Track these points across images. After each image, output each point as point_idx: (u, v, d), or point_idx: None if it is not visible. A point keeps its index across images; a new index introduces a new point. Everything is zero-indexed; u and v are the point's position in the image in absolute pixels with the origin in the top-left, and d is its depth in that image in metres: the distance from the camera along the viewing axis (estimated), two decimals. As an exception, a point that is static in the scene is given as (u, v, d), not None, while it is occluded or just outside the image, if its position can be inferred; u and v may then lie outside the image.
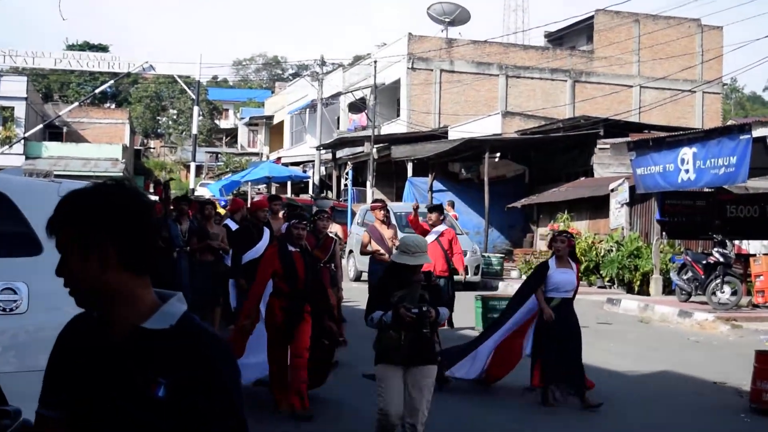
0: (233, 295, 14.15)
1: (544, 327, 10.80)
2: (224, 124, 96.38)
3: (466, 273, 16.21)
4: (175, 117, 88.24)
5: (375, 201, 18.18)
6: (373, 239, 15.33)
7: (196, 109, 55.36)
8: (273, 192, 49.06)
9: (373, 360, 7.70)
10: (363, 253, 15.84)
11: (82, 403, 2.45)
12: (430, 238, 14.69)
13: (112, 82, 67.00)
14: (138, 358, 2.39)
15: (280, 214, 15.84)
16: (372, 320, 7.60)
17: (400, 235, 15.60)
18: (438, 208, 15.78)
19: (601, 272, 25.38)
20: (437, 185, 36.48)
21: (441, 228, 15.16)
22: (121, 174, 54.60)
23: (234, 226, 14.95)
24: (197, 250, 14.54)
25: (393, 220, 17.51)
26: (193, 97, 55.44)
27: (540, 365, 10.85)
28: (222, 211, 19.69)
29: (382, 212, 15.65)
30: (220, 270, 14.54)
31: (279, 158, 58.40)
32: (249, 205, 15.72)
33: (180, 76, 56.56)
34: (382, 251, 15.09)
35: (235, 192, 49.01)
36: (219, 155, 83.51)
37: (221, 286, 14.45)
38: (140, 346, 2.41)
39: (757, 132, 18.73)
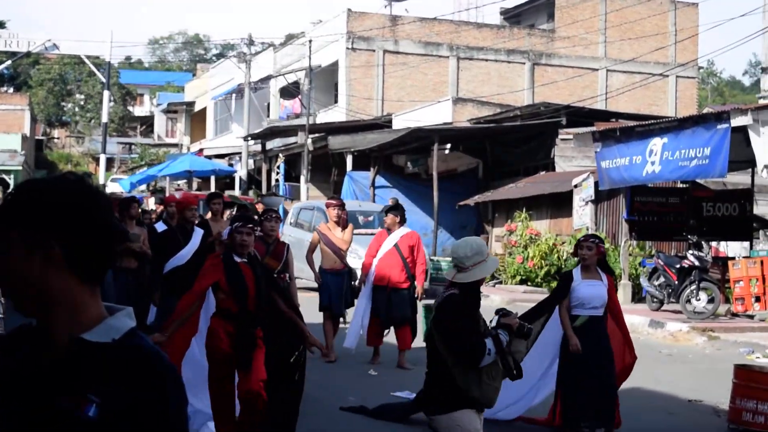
0: (151, 310, 13.84)
1: (568, 353, 10.13)
2: (139, 111, 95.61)
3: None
4: (82, 103, 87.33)
5: (331, 198, 17.85)
6: (323, 242, 15.15)
7: (106, 94, 54.79)
8: (194, 188, 48.77)
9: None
10: (308, 259, 15.53)
11: (9, 418, 2.41)
12: (387, 245, 14.60)
13: (9, 62, 66.17)
14: (72, 373, 2.36)
15: (225, 215, 15.55)
16: (490, 352, 6.58)
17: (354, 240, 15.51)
18: (395, 209, 15.45)
19: (563, 278, 25.46)
20: (380, 180, 36.48)
21: (401, 231, 14.88)
22: (21, 168, 53.88)
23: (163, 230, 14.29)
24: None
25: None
26: (103, 80, 54.95)
27: (561, 400, 10.34)
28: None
29: (336, 211, 15.28)
30: (144, 281, 13.97)
31: (201, 150, 58.11)
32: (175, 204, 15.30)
33: (88, 57, 55.92)
34: (334, 261, 14.99)
35: (151, 187, 48.61)
36: (133, 146, 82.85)
37: (146, 299, 13.78)
38: (77, 359, 2.38)
39: (737, 121, 18.84)
